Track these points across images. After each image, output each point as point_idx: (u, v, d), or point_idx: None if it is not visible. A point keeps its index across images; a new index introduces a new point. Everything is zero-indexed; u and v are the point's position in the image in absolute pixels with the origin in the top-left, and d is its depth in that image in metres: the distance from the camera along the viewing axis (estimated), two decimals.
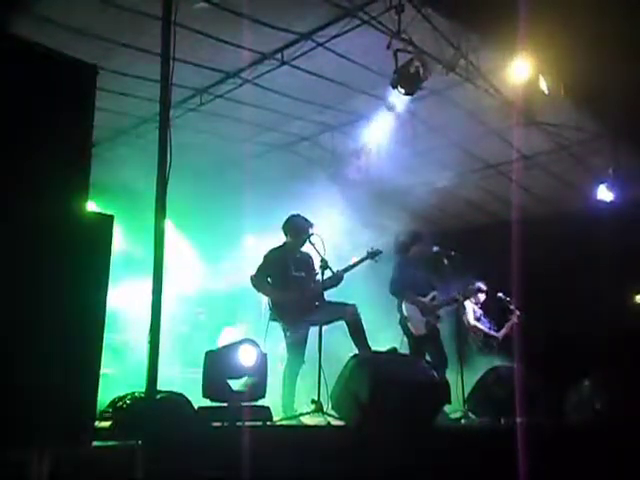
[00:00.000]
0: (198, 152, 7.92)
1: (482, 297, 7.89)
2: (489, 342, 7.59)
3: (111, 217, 2.62)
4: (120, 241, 7.85)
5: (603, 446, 4.67)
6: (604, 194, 8.18)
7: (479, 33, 6.03)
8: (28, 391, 2.23)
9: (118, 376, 6.10)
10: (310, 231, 5.37)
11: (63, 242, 2.41)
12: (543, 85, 6.41)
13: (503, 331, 7.71)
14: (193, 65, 6.40)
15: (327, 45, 6.22)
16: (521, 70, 6.26)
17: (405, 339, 6.26)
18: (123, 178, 6.84)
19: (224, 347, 4.57)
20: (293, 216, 5.56)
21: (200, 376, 4.24)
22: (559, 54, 6.02)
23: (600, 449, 4.63)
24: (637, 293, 10.03)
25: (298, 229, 5.45)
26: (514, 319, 7.65)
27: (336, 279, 5.34)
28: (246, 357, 4.28)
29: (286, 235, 5.57)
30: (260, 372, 4.32)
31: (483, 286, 7.82)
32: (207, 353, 4.27)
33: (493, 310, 7.92)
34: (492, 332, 7.67)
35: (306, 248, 5.54)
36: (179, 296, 7.68)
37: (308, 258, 5.56)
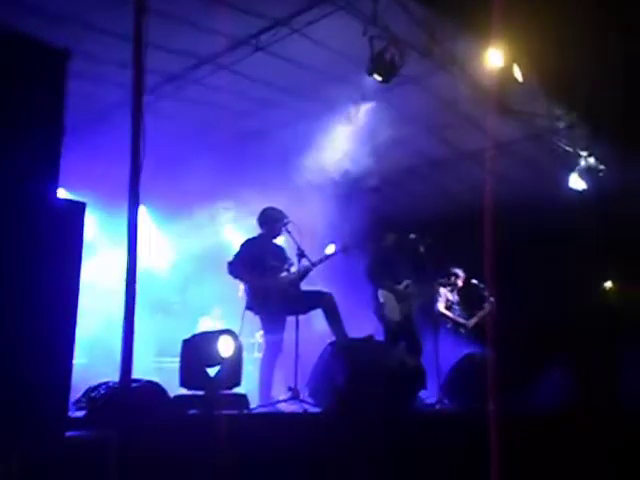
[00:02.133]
0: (172, 139, 7.81)
1: (459, 283, 7.96)
2: (458, 330, 7.68)
3: (83, 204, 2.58)
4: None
5: (575, 431, 4.77)
6: (576, 183, 8.30)
7: (454, 21, 6.04)
8: None
9: (92, 365, 6.05)
10: (285, 220, 5.46)
11: (33, 229, 2.37)
12: (517, 73, 6.45)
13: (474, 319, 7.79)
14: (167, 51, 6.29)
15: (302, 31, 6.17)
16: (495, 58, 6.30)
17: (380, 325, 6.31)
18: (95, 164, 6.75)
19: (201, 335, 4.54)
20: (268, 208, 5.69)
21: (175, 365, 4.21)
22: (533, 42, 6.05)
23: (572, 434, 4.73)
24: (607, 279, 10.24)
25: (272, 220, 5.56)
26: (486, 308, 7.74)
27: (306, 269, 5.41)
28: (224, 347, 4.26)
29: (261, 227, 5.68)
30: (236, 361, 4.31)
31: (460, 272, 7.90)
32: (184, 341, 4.24)
33: (468, 297, 8.01)
34: (461, 320, 7.74)
35: (279, 241, 5.73)
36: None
37: (282, 250, 5.73)
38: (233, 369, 4.23)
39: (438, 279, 6.97)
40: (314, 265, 5.44)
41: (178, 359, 4.21)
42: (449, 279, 7.88)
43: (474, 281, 7.75)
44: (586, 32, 5.51)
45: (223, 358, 4.21)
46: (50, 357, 2.36)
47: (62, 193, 2.65)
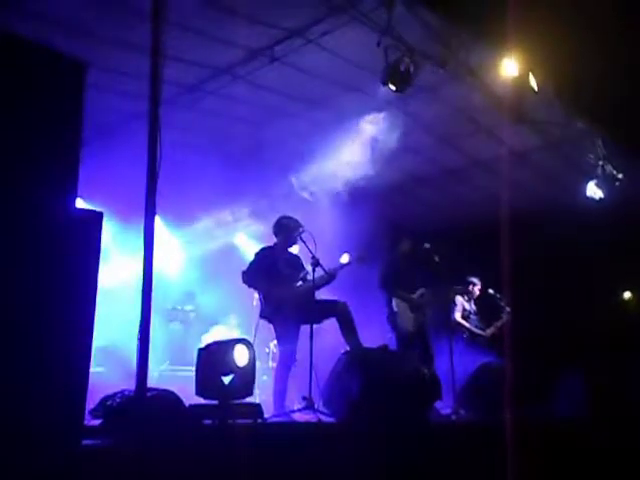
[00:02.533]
0: (188, 149, 7.88)
1: (476, 292, 7.91)
2: (475, 339, 7.62)
3: (100, 214, 2.60)
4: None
5: (592, 440, 4.71)
6: (593, 191, 8.22)
7: (469, 30, 6.04)
8: (16, 390, 2.21)
9: (108, 374, 6.09)
10: (300, 230, 5.48)
11: (51, 239, 2.39)
12: (533, 82, 6.43)
13: (491, 329, 7.73)
14: (183, 62, 6.36)
15: (318, 42, 6.20)
16: (511, 67, 6.28)
17: (394, 335, 6.29)
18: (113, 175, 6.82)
19: (217, 344, 4.52)
20: (283, 217, 5.71)
21: (190, 374, 4.22)
22: (548, 52, 6.04)
23: (589, 443, 4.67)
24: (625, 290, 10.12)
25: (287, 229, 5.58)
26: (504, 317, 7.68)
27: (328, 278, 5.40)
28: (239, 356, 4.26)
29: (276, 236, 5.71)
30: (249, 371, 4.30)
31: (477, 281, 7.84)
32: (199, 350, 4.25)
33: (485, 307, 7.96)
34: (478, 331, 7.69)
35: (295, 249, 5.77)
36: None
37: (297, 259, 5.74)
38: (246, 379, 4.22)
39: (455, 288, 6.94)
40: (332, 277, 5.42)
41: (191, 367, 4.21)
42: (466, 288, 7.84)
43: (490, 291, 7.71)
44: (602, 41, 5.48)
45: (238, 367, 4.21)
46: (67, 365, 2.38)
47: (80, 203, 2.67)
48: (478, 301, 7.98)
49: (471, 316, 7.83)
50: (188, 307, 8.61)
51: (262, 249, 5.72)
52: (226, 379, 4.18)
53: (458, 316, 7.64)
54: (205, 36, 6.02)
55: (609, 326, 8.45)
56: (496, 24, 5.40)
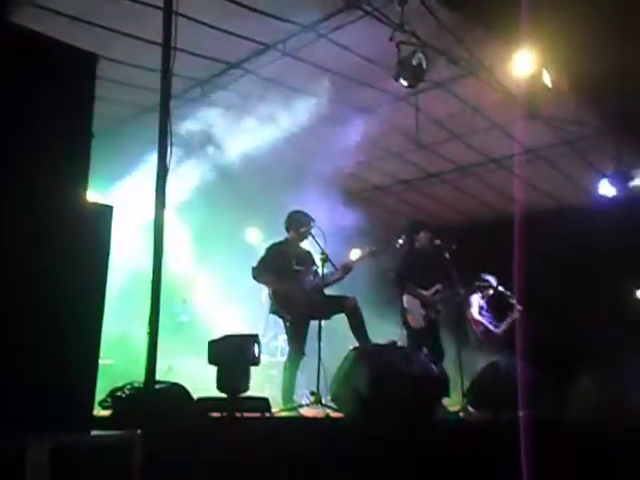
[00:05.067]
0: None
1: (491, 291, 7.86)
2: (489, 336, 7.61)
3: (110, 208, 2.61)
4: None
5: (602, 441, 4.68)
6: (606, 189, 8.15)
7: (482, 26, 5.99)
8: (26, 380, 2.23)
9: (118, 366, 6.13)
10: (311, 224, 5.45)
11: (62, 232, 2.40)
12: (546, 79, 6.37)
13: (503, 326, 7.71)
14: (194, 55, 6.37)
15: (329, 37, 6.19)
16: (524, 64, 6.23)
17: (404, 331, 6.28)
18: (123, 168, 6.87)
19: (227, 338, 4.49)
20: (294, 212, 5.67)
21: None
22: (563, 48, 5.98)
23: (599, 444, 4.64)
24: (638, 289, 10.02)
25: (299, 224, 5.55)
26: (515, 315, 7.65)
27: (341, 275, 5.40)
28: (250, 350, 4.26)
29: (287, 231, 5.68)
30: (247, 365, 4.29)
31: (492, 279, 7.78)
32: (210, 343, 4.25)
33: (497, 305, 7.92)
34: (492, 327, 7.69)
35: (305, 244, 5.68)
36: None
37: (308, 254, 5.69)
38: (247, 373, 4.21)
39: (471, 285, 6.92)
40: (345, 274, 5.42)
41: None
42: (481, 285, 7.77)
43: (500, 288, 7.67)
44: (616, 37, 5.42)
45: (247, 362, 4.22)
46: (76, 357, 2.40)
47: (91, 195, 2.68)
48: (491, 299, 7.94)
49: (484, 313, 7.81)
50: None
51: (273, 244, 5.69)
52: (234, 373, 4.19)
53: (475, 312, 7.63)
54: (216, 30, 6.02)
55: (623, 324, 8.37)
56: (509, 20, 5.36)
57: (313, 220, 5.55)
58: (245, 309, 8.27)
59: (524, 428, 4.05)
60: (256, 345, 4.29)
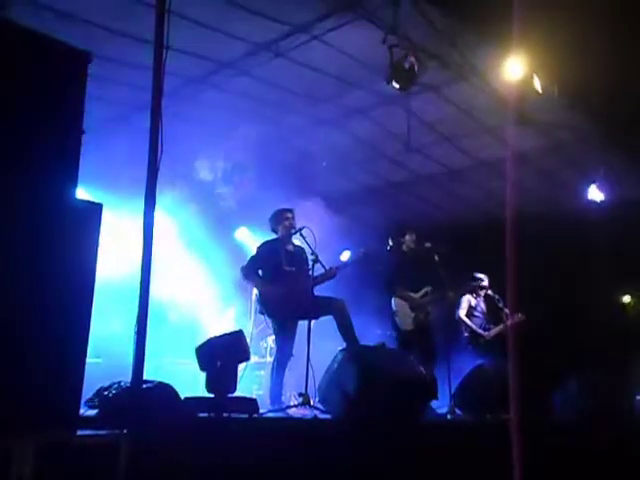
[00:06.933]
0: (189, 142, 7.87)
1: (483, 290, 7.71)
2: (476, 339, 7.53)
3: (99, 205, 2.60)
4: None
5: (587, 445, 4.71)
6: (595, 194, 8.21)
7: (475, 30, 6.02)
8: (12, 379, 2.21)
9: (104, 365, 6.09)
10: (292, 213, 5.42)
11: (51, 229, 2.39)
12: (537, 84, 6.41)
13: (493, 331, 7.58)
14: (186, 54, 6.34)
15: (322, 38, 6.19)
16: (515, 68, 6.26)
17: (393, 333, 6.29)
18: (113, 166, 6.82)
19: (216, 338, 4.48)
20: (277, 210, 5.65)
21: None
22: (553, 53, 6.02)
23: (584, 448, 4.67)
24: (625, 293, 10.11)
25: (280, 219, 5.59)
26: (506, 320, 7.54)
27: (329, 276, 5.39)
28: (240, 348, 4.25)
29: (275, 231, 5.64)
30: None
31: (484, 278, 7.67)
32: (199, 346, 4.23)
33: (491, 307, 7.82)
34: (480, 330, 7.57)
35: (299, 242, 5.62)
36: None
37: (301, 252, 5.62)
38: (234, 373, 4.19)
39: (462, 287, 6.89)
40: (333, 274, 5.42)
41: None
42: (473, 286, 7.67)
43: (489, 292, 7.60)
44: (607, 43, 5.46)
45: (236, 360, 4.21)
46: (63, 356, 2.38)
47: (80, 193, 2.67)
48: (486, 298, 7.80)
49: (476, 314, 7.68)
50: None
51: (264, 243, 5.67)
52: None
53: (462, 314, 7.52)
54: (208, 29, 6.00)
55: (609, 328, 8.43)
56: (501, 25, 5.37)
57: (292, 210, 5.58)
58: (235, 309, 8.25)
59: (512, 431, 4.06)
60: (242, 340, 4.27)
